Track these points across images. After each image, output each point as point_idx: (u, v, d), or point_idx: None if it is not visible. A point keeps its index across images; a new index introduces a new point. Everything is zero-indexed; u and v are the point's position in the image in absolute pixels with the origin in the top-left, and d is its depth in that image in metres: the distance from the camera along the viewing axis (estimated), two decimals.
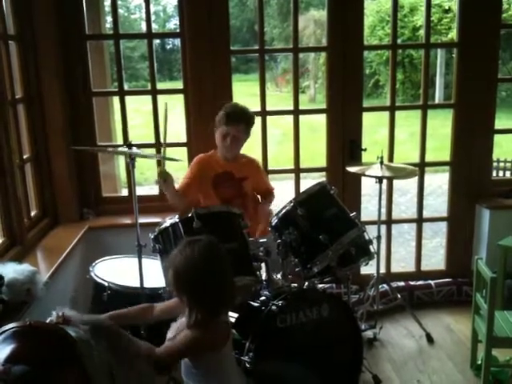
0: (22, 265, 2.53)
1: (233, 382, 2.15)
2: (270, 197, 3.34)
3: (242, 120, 3.12)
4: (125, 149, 2.61)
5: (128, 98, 3.70)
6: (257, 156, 3.51)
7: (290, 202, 2.81)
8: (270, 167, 3.80)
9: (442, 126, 8.67)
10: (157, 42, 20.91)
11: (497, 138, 3.91)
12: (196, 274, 1.95)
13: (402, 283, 3.93)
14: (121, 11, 22.14)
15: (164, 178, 2.96)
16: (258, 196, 3.38)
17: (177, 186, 3.18)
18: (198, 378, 2.06)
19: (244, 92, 7.69)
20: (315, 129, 8.14)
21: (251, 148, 3.41)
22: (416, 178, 3.82)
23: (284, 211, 2.81)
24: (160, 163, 3.04)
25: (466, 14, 3.70)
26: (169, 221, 2.54)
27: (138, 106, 9.29)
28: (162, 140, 2.96)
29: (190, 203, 3.06)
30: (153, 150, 3.73)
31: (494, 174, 7.55)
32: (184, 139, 3.75)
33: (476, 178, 3.93)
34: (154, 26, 25.28)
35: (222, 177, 3.19)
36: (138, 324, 2.45)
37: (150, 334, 2.56)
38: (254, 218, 3.17)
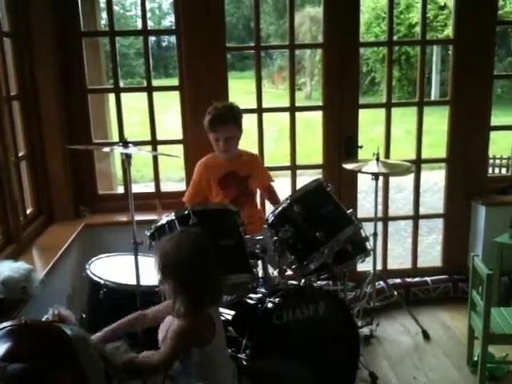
0: (17, 263, 2.52)
1: (225, 378, 2.15)
2: (272, 194, 3.38)
3: (227, 120, 3.05)
4: (120, 146, 2.59)
5: (124, 96, 3.69)
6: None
7: (287, 199, 2.81)
8: (266, 164, 3.79)
9: (438, 122, 8.67)
10: (152, 39, 20.85)
11: (492, 134, 3.92)
12: (184, 259, 1.97)
13: (398, 280, 3.93)
14: (116, 8, 22.07)
15: None
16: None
17: (184, 197, 3.22)
18: (190, 376, 2.04)
19: (240, 89, 7.69)
20: (311, 126, 8.13)
21: (248, 146, 3.40)
22: (412, 175, 3.83)
23: (280, 208, 2.81)
24: None
25: (462, 11, 3.70)
26: (165, 218, 2.53)
27: (134, 104, 9.28)
28: None
29: None
30: (149, 148, 3.72)
31: (490, 170, 7.57)
32: (180, 136, 3.74)
33: (472, 175, 3.93)
34: (150, 23, 25.18)
35: (227, 177, 3.18)
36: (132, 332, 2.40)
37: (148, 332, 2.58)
38: (261, 217, 3.25)
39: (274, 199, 3.33)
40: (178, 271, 1.96)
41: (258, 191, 3.42)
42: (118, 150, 2.59)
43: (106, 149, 2.65)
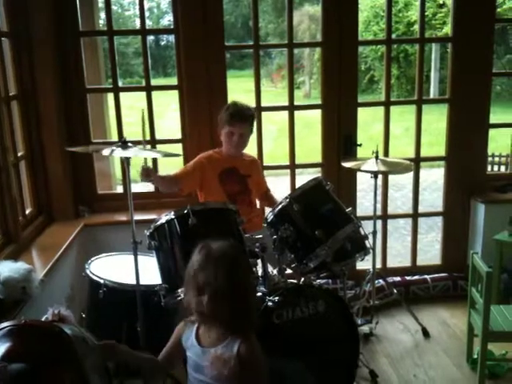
0: (17, 263, 2.52)
1: None
2: (272, 199, 3.42)
3: (245, 118, 3.18)
4: (119, 147, 2.59)
5: (122, 95, 3.68)
6: (252, 152, 3.52)
7: (286, 197, 2.81)
8: (265, 163, 3.79)
9: (436, 120, 8.70)
10: (151, 38, 20.92)
11: (492, 132, 3.91)
12: (239, 277, 1.85)
13: (397, 278, 3.94)
14: (114, 7, 22.04)
15: (146, 174, 2.93)
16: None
17: (172, 172, 3.23)
18: None
19: (239, 88, 7.68)
20: (310, 125, 8.15)
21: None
22: (411, 173, 3.83)
23: (280, 207, 2.81)
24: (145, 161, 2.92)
25: (461, 9, 3.70)
26: (164, 217, 2.53)
27: (133, 103, 9.29)
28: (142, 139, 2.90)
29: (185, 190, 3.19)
30: (147, 147, 3.71)
31: (489, 168, 7.59)
32: (179, 136, 3.74)
33: (471, 173, 3.93)
34: (148, 23, 25.24)
35: (228, 172, 3.23)
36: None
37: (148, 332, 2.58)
38: (258, 214, 3.29)
39: (274, 203, 3.33)
40: (237, 291, 1.81)
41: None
42: (118, 155, 2.58)
43: (106, 152, 2.60)
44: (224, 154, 3.26)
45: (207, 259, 1.83)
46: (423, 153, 4.00)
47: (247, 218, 2.99)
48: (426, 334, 3.50)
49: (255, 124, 3.64)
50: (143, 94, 3.68)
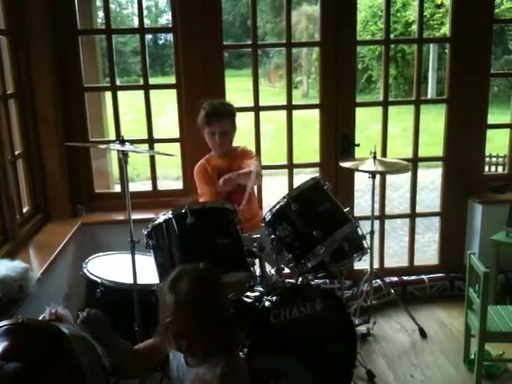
0: (14, 261, 2.51)
1: None
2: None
3: (222, 115, 3.12)
4: (117, 144, 2.59)
5: (120, 93, 3.68)
6: None
7: (284, 197, 2.80)
8: (263, 163, 3.78)
9: (434, 121, 8.70)
10: (149, 37, 20.89)
11: (489, 133, 3.92)
12: (211, 295, 1.80)
13: (395, 278, 3.94)
14: (112, 6, 21.99)
15: None
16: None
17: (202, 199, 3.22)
18: None
19: (237, 87, 7.68)
20: (308, 124, 8.14)
21: (245, 144, 3.40)
22: (409, 174, 3.83)
23: (278, 207, 2.80)
24: None
25: (459, 9, 3.71)
26: (162, 217, 2.52)
27: (130, 101, 9.28)
28: None
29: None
30: (145, 146, 3.71)
31: (487, 169, 7.61)
32: (177, 134, 3.74)
33: (468, 173, 3.94)
34: (146, 21, 25.15)
35: (223, 175, 3.18)
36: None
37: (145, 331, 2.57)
38: (254, 212, 3.26)
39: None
40: (206, 311, 1.77)
41: (255, 189, 3.41)
42: (115, 148, 2.58)
43: (103, 146, 2.62)
44: (215, 157, 3.23)
45: (169, 284, 1.81)
46: (421, 153, 4.00)
47: (245, 217, 2.99)
48: (423, 334, 3.50)
49: (253, 123, 3.65)
50: (141, 93, 3.68)
